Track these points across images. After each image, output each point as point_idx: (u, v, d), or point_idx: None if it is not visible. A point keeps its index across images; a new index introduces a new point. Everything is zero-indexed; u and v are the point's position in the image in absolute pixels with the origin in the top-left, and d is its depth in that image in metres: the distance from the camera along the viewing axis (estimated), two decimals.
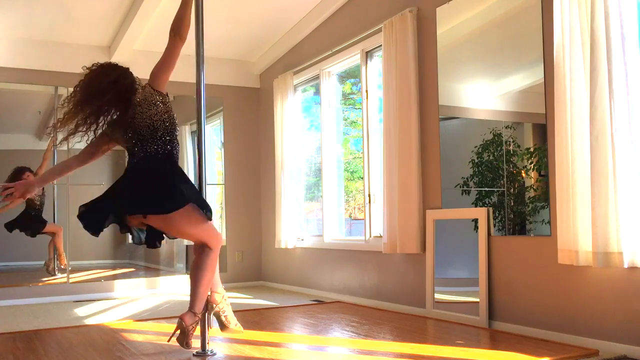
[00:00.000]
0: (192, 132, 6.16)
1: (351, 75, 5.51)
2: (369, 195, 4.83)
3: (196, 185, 3.03)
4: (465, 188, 3.96)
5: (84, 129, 2.91)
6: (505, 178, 3.75)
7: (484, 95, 3.98)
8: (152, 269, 6.34)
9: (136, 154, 2.90)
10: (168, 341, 2.90)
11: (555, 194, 3.15)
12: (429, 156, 4.16)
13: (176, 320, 2.88)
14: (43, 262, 5.70)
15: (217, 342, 3.26)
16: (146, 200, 2.77)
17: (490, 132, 3.79)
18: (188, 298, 2.95)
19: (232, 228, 6.36)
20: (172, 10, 5.18)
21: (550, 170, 3.31)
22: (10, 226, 5.51)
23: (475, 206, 3.86)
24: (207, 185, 3.11)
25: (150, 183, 2.80)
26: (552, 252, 3.25)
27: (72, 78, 5.60)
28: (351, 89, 5.69)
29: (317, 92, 5.60)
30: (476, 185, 3.92)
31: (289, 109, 5.71)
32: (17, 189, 2.86)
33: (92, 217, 2.84)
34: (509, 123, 3.72)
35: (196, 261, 2.95)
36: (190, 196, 2.82)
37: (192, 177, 6.19)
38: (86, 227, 2.84)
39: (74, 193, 5.72)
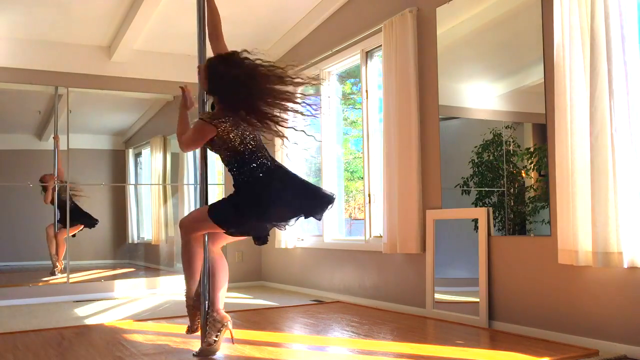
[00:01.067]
0: None
1: (351, 75, 5.51)
2: (369, 195, 4.83)
3: (197, 186, 3.05)
4: (465, 188, 3.96)
5: None
6: (505, 178, 3.75)
7: (484, 95, 3.98)
8: (152, 269, 6.35)
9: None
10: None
11: (555, 194, 3.15)
12: (429, 156, 4.16)
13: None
14: (44, 262, 5.71)
15: None
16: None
17: (490, 132, 3.79)
18: None
19: None
20: (172, 11, 5.21)
21: (550, 170, 3.31)
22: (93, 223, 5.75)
23: (475, 206, 3.86)
24: (208, 185, 3.11)
25: None
26: (552, 252, 3.24)
27: (72, 78, 5.69)
28: (351, 89, 5.69)
29: (317, 92, 5.60)
30: (476, 185, 3.92)
31: None
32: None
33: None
34: (509, 123, 3.72)
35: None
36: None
37: (192, 177, 6.23)
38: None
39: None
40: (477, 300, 3.71)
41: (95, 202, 5.99)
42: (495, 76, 3.90)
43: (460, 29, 4.06)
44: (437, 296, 4.04)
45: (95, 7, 4.99)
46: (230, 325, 2.95)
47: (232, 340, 3.03)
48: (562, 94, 3.08)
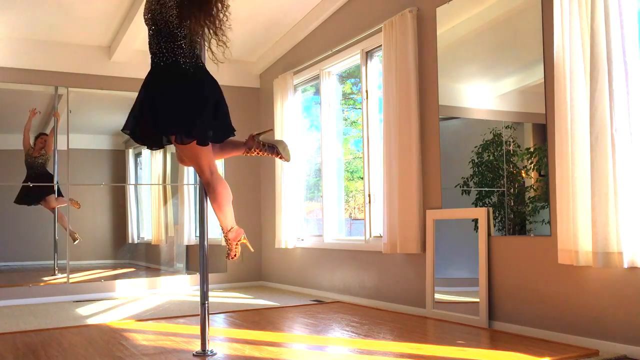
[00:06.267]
0: None
1: (351, 75, 5.51)
2: (369, 195, 4.83)
3: (197, 186, 3.04)
4: (465, 188, 3.96)
5: None
6: (505, 178, 3.75)
7: (484, 95, 3.98)
8: (152, 269, 6.34)
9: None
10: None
11: (555, 194, 3.15)
12: (429, 156, 4.16)
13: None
14: (45, 262, 5.71)
15: (217, 342, 3.26)
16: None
17: (490, 132, 3.79)
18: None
19: None
20: None
21: (550, 170, 3.31)
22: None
23: (475, 206, 3.86)
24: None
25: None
26: (552, 252, 3.25)
27: (72, 78, 5.69)
28: (351, 89, 5.69)
29: (317, 92, 5.60)
30: (476, 185, 3.92)
31: (289, 109, 5.71)
32: None
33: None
34: (509, 123, 3.72)
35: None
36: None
37: (192, 177, 6.23)
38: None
39: (74, 194, 5.73)
40: (477, 300, 3.71)
41: (95, 202, 5.99)
42: (495, 76, 3.91)
43: (460, 29, 4.06)
44: (437, 296, 4.04)
45: (95, 7, 4.99)
46: (244, 237, 3.26)
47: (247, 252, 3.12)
48: (562, 94, 3.08)
